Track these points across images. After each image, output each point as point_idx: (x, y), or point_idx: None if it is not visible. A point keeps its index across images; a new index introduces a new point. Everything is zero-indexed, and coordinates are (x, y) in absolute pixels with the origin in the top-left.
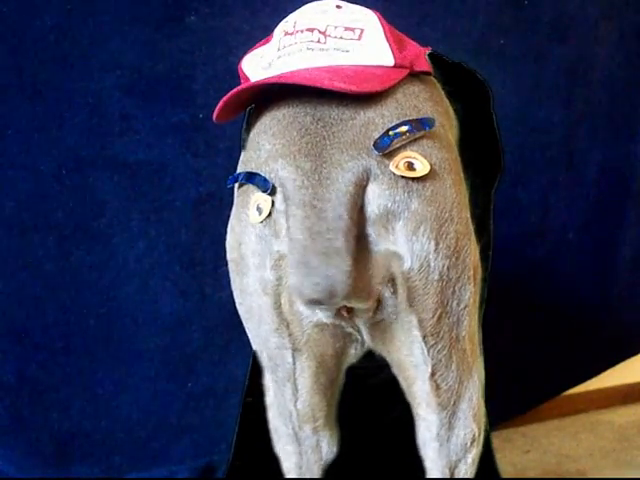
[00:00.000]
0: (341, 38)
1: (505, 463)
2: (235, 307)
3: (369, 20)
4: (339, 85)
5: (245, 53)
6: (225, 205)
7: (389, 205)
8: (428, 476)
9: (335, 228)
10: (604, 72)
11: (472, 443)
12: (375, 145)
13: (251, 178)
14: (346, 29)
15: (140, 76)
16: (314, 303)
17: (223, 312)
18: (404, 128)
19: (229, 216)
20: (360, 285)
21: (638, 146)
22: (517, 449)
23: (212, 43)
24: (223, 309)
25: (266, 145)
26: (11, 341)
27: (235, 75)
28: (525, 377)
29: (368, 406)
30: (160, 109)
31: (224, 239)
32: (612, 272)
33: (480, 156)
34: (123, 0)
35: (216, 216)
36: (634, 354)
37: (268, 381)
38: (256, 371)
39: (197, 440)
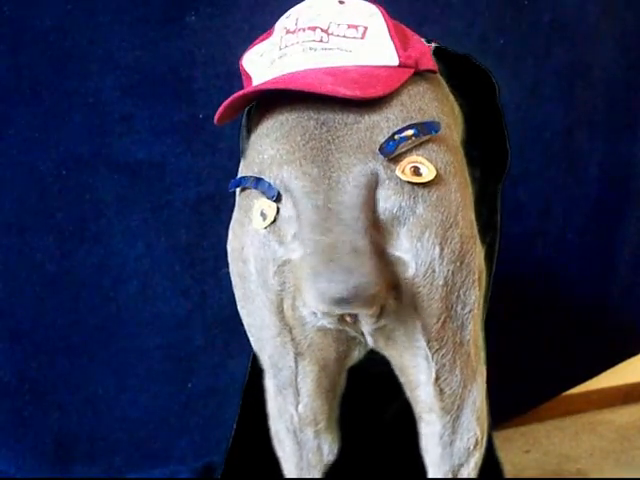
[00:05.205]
0: (344, 37)
1: (505, 463)
2: (236, 307)
3: (373, 17)
4: (343, 91)
5: (245, 50)
6: (225, 205)
7: (395, 210)
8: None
9: (355, 229)
10: (604, 72)
11: (475, 447)
12: (381, 150)
13: (255, 183)
14: (349, 27)
15: (140, 76)
16: (341, 303)
17: (223, 312)
18: (410, 132)
19: (229, 216)
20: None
21: (638, 146)
22: (517, 449)
23: (212, 43)
24: (223, 309)
25: (269, 150)
26: (11, 341)
27: (235, 75)
28: (525, 377)
29: (364, 402)
30: (160, 109)
31: (224, 239)
32: (612, 272)
33: (486, 151)
34: (123, 0)
35: (216, 216)
36: (634, 354)
37: (269, 385)
38: (255, 372)
39: (197, 440)
